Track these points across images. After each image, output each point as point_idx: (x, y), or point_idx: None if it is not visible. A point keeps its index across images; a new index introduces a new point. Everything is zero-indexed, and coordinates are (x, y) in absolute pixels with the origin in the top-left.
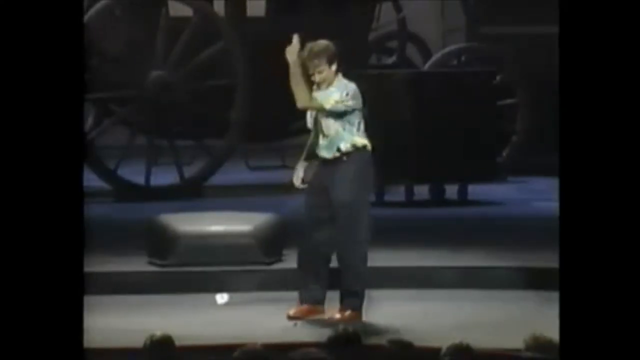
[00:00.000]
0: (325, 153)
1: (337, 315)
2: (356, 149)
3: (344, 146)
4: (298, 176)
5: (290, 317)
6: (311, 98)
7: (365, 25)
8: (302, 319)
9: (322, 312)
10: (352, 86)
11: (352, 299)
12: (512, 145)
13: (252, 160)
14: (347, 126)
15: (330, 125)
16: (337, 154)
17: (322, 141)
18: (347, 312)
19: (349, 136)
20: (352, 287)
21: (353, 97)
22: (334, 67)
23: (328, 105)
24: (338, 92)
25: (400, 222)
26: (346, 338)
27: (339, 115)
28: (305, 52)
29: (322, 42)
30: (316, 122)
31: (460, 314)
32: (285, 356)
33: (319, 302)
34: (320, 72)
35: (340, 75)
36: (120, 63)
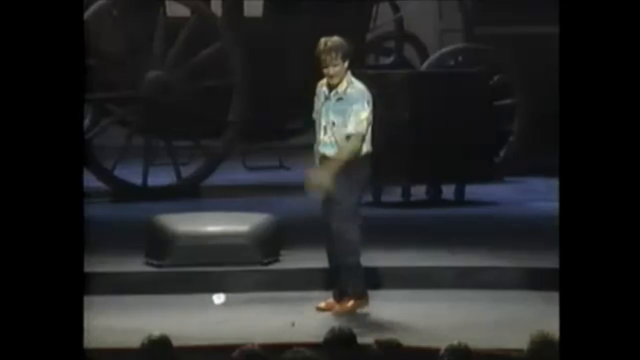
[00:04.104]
0: (328, 150)
1: (347, 305)
2: (356, 157)
3: None
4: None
5: (318, 309)
6: (347, 147)
7: (363, 25)
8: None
9: (333, 307)
10: (367, 92)
11: (353, 287)
12: (508, 145)
13: (249, 161)
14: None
15: (339, 132)
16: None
17: (326, 139)
18: (350, 302)
19: None
20: (346, 282)
21: (371, 105)
22: (346, 64)
23: (363, 129)
24: (361, 102)
25: (397, 223)
26: (341, 338)
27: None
28: (322, 45)
29: (338, 38)
30: (321, 116)
31: (457, 314)
32: (279, 356)
33: (335, 296)
34: (335, 66)
35: (349, 73)
36: (118, 63)
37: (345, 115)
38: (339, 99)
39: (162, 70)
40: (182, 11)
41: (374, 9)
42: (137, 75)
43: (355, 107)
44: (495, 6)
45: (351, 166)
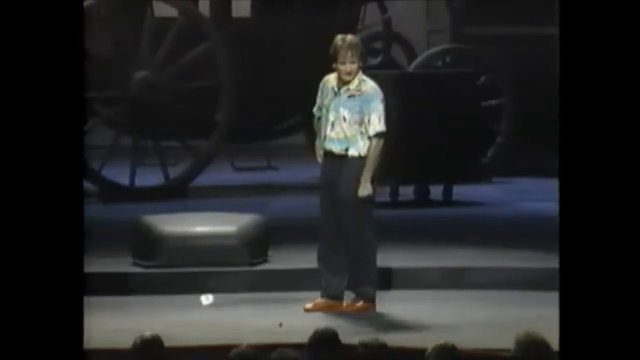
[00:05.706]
0: (333, 147)
1: (351, 307)
2: (360, 157)
3: (353, 152)
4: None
5: (307, 310)
6: (375, 147)
7: (350, 25)
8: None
9: (341, 306)
10: (379, 89)
11: (364, 290)
12: (496, 145)
13: (237, 161)
14: (364, 131)
15: (350, 128)
16: (344, 152)
17: (334, 135)
18: (360, 303)
19: (361, 143)
20: (360, 280)
21: (384, 102)
22: (360, 63)
23: (385, 126)
24: (379, 99)
25: (384, 223)
26: (324, 339)
27: (361, 120)
28: (340, 42)
29: (355, 37)
30: (329, 112)
31: (445, 314)
32: (267, 357)
33: (337, 297)
34: (352, 63)
35: (360, 71)
36: (106, 63)
37: (359, 112)
38: (351, 95)
39: (150, 71)
40: (170, 12)
41: (362, 10)
42: (124, 76)
43: (373, 104)
44: (482, 7)
45: (361, 161)
